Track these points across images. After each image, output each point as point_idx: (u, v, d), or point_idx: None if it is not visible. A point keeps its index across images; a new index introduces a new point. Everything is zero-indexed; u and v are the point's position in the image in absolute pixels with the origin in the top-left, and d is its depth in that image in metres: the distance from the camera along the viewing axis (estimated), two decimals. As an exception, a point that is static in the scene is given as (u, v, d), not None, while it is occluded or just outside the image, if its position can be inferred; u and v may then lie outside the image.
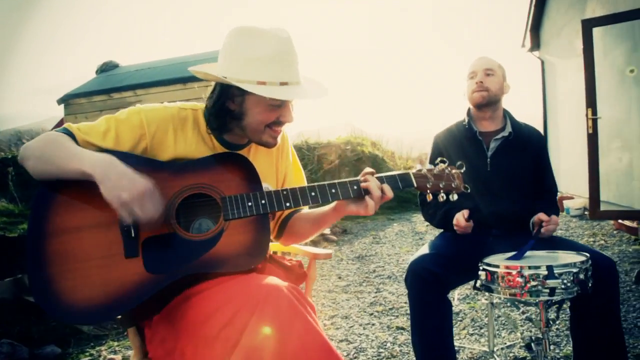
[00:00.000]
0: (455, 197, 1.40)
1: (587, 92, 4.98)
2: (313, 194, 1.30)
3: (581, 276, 1.50)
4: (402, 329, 2.89)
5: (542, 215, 1.90)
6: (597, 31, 4.94)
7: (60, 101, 8.78)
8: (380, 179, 1.35)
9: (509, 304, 2.99)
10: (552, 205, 2.12)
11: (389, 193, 1.33)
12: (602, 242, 4.89)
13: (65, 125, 1.32)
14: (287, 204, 1.28)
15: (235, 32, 1.30)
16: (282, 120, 1.34)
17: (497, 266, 1.59)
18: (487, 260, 1.67)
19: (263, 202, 1.26)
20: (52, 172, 1.22)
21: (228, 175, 1.31)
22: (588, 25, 4.93)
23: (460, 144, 2.17)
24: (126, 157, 1.24)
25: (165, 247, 1.21)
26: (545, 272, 1.49)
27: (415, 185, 1.36)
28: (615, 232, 5.19)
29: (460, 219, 1.92)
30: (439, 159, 1.43)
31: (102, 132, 1.29)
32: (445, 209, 2.06)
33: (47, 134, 1.29)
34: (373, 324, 3.04)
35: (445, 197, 1.39)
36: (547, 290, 1.48)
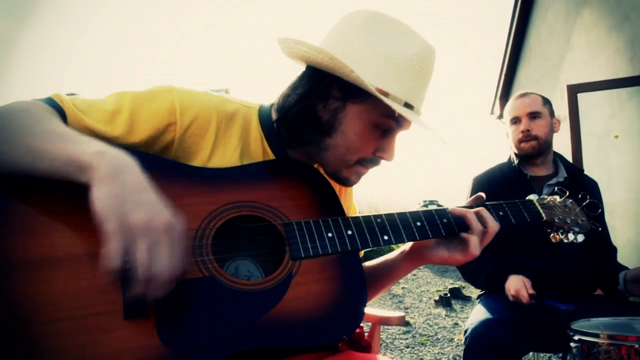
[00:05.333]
0: (581, 238, 1.08)
1: (573, 156, 4.98)
2: (419, 224, 0.92)
3: None
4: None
5: None
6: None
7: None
8: (487, 208, 0.99)
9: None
10: (617, 264, 1.84)
11: (493, 225, 0.94)
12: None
13: (52, 95, 0.84)
14: (385, 238, 0.88)
15: (367, 14, 0.91)
16: (381, 155, 0.95)
17: (598, 336, 1.25)
18: (579, 327, 1.33)
19: (350, 232, 0.86)
20: (18, 161, 0.71)
21: (293, 191, 0.89)
22: (573, 91, 5.02)
23: (508, 188, 1.89)
24: (135, 154, 0.78)
25: (195, 302, 0.74)
26: (675, 347, 1.16)
27: (543, 217, 1.03)
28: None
29: (524, 292, 1.57)
30: (556, 188, 1.13)
31: (108, 113, 0.84)
32: (494, 267, 1.74)
33: (18, 102, 0.80)
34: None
35: (570, 238, 1.07)
36: (679, 371, 1.15)
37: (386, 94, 0.86)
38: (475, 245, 0.91)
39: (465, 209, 0.95)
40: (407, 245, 1.02)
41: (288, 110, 0.94)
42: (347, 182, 0.98)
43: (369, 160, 0.96)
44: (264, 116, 0.99)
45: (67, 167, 0.69)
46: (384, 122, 0.91)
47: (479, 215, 0.94)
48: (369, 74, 0.86)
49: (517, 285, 1.60)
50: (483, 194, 1.03)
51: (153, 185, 0.71)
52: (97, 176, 0.67)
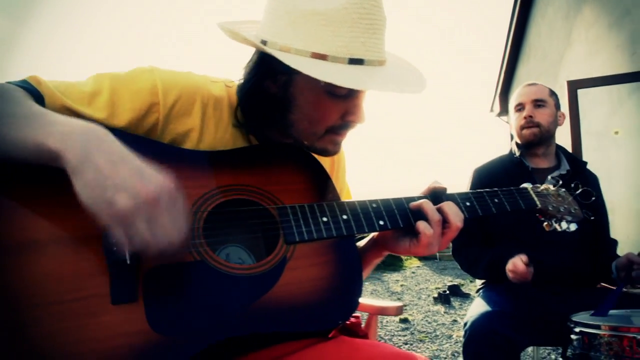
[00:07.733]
0: (574, 227, 1.06)
1: (573, 153, 4.96)
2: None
3: None
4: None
5: (632, 256, 1.58)
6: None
7: None
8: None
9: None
10: (617, 256, 1.82)
11: (454, 217, 0.85)
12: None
13: (27, 77, 0.79)
14: (381, 223, 0.85)
15: None
16: (349, 119, 0.88)
17: (599, 327, 1.23)
18: (580, 319, 1.31)
19: (345, 217, 0.83)
20: None
21: (287, 175, 0.87)
22: (574, 87, 5.00)
23: (509, 180, 1.86)
24: (122, 138, 0.73)
25: (186, 286, 0.72)
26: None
27: (538, 205, 1.02)
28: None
29: (519, 263, 1.55)
30: (549, 176, 1.11)
31: (87, 94, 0.80)
32: (493, 254, 1.71)
33: None
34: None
35: (563, 227, 1.05)
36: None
37: (324, 57, 0.77)
38: (429, 235, 0.83)
39: (422, 200, 0.89)
40: (374, 234, 0.98)
41: (243, 90, 0.91)
42: (325, 153, 0.93)
43: (339, 127, 0.89)
44: (237, 94, 0.96)
45: (39, 157, 0.66)
46: (333, 88, 0.81)
47: (440, 209, 0.87)
48: (301, 38, 0.78)
49: (513, 261, 1.58)
50: (438, 185, 0.96)
51: (127, 150, 0.66)
52: (70, 166, 0.63)
